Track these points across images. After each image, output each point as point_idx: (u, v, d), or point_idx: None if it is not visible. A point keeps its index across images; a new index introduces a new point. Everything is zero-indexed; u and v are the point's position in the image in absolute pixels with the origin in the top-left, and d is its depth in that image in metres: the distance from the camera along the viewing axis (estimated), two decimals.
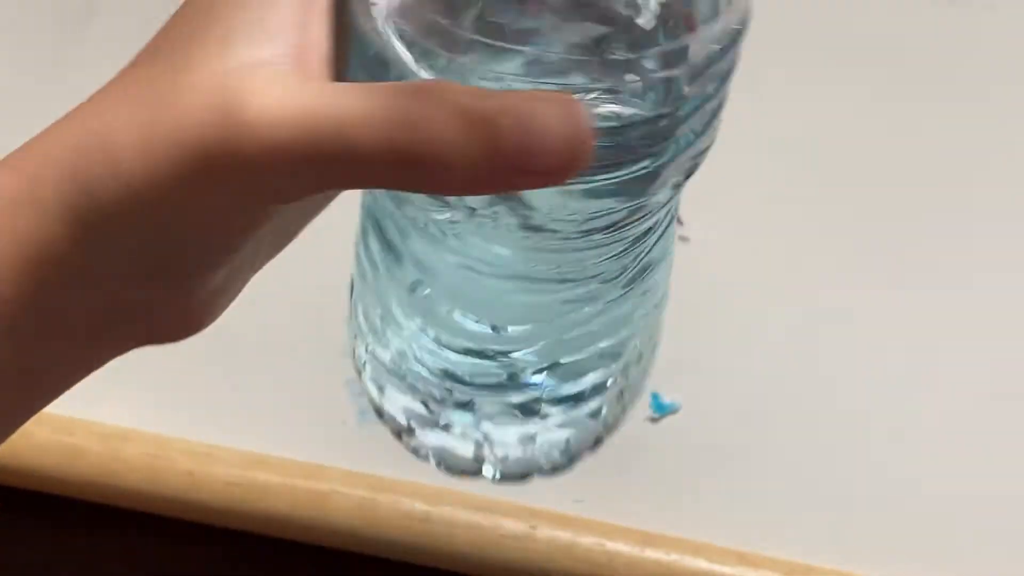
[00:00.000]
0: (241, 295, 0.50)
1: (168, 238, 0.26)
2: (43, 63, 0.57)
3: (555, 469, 0.37)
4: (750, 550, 0.48)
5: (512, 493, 0.49)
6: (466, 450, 0.35)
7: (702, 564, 0.48)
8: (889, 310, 0.53)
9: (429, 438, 0.35)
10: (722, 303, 0.53)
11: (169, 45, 0.26)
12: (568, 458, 0.37)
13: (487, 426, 0.34)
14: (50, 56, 0.57)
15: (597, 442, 0.37)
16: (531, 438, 0.35)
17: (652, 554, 0.48)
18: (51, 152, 0.27)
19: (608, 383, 0.35)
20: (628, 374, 0.36)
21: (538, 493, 0.49)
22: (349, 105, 0.23)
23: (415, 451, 0.36)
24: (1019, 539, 0.50)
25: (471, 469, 0.35)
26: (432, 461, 0.36)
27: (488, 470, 0.36)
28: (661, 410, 0.51)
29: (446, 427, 0.35)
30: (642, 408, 0.51)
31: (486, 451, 0.35)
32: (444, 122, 0.23)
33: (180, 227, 0.26)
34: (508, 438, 0.35)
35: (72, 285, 0.27)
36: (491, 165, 0.23)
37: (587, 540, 0.48)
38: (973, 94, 0.57)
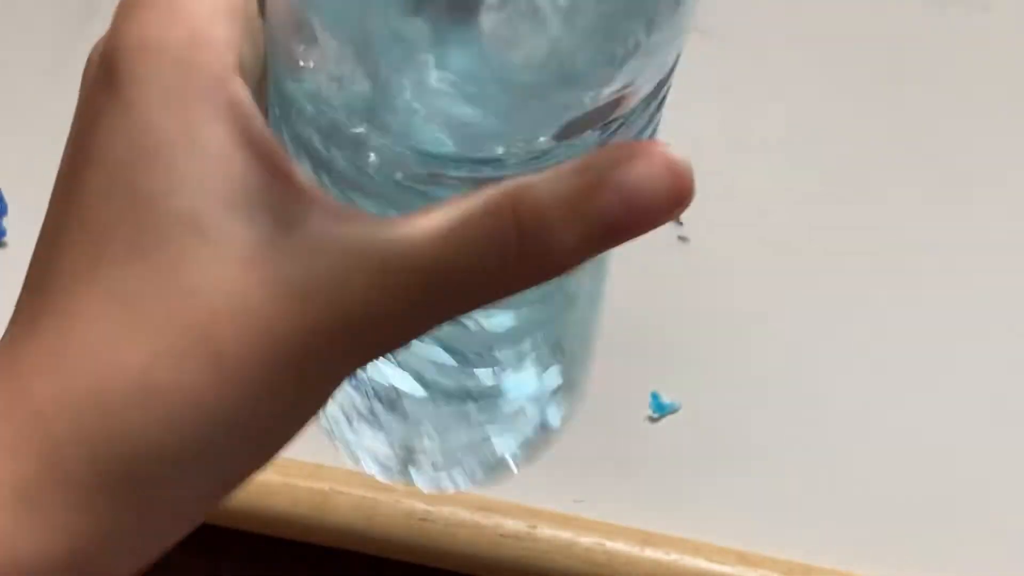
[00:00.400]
0: None
1: (238, 461, 0.23)
2: (43, 63, 0.57)
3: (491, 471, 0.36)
4: (750, 550, 0.48)
5: (512, 493, 0.49)
6: (394, 454, 0.34)
7: (702, 564, 0.48)
8: (890, 310, 0.53)
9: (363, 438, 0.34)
10: (722, 303, 0.53)
11: (101, 245, 0.22)
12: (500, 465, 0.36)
13: (417, 430, 0.33)
14: (50, 56, 0.57)
15: (538, 445, 0.36)
16: (466, 446, 0.35)
17: (652, 554, 0.48)
18: (41, 421, 0.22)
19: (537, 384, 0.34)
20: (564, 374, 0.35)
21: (538, 493, 0.49)
22: (455, 251, 0.21)
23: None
24: (1020, 539, 0.50)
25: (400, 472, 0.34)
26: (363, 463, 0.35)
27: (416, 475, 0.35)
28: (661, 410, 0.51)
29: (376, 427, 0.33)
30: (642, 408, 0.51)
31: (417, 455, 0.34)
32: (557, 231, 0.21)
33: (257, 442, 0.23)
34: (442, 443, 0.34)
35: (117, 551, 0.23)
36: (604, 242, 0.22)
37: (587, 540, 0.48)
38: (972, 95, 0.57)
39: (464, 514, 0.49)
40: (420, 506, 0.48)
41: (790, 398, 0.52)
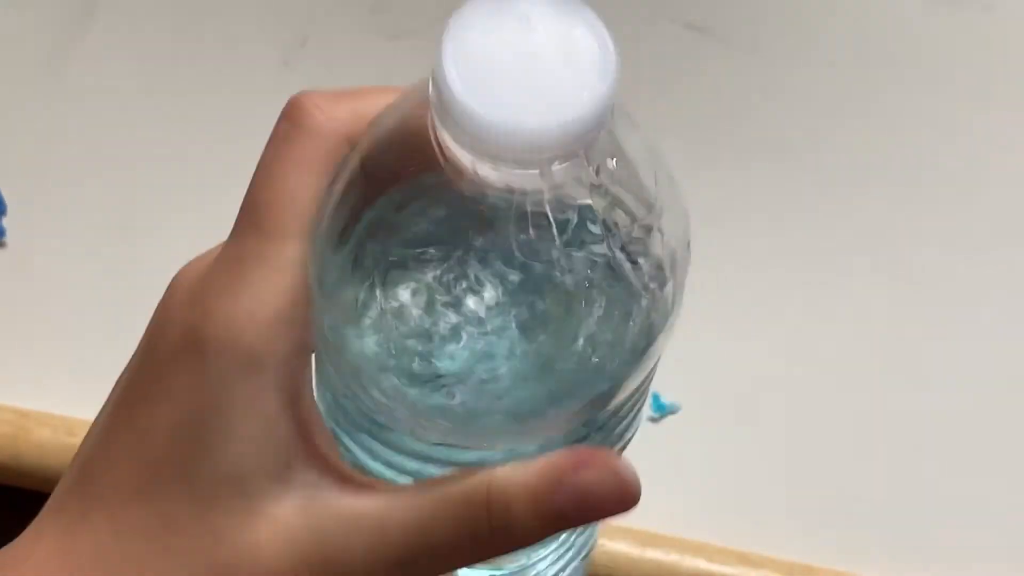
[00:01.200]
0: None
1: None
2: (43, 63, 0.57)
3: None
4: (750, 550, 0.48)
5: None
6: None
7: (702, 564, 0.48)
8: (890, 311, 0.53)
9: None
10: (722, 303, 0.53)
11: (155, 473, 0.27)
12: None
13: None
14: (50, 56, 0.57)
15: None
16: None
17: (652, 554, 0.48)
18: None
19: None
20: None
21: None
22: (439, 531, 0.27)
23: None
24: (1020, 540, 0.50)
25: None
26: None
27: None
28: (661, 410, 0.51)
29: None
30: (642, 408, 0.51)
31: None
32: (519, 521, 0.27)
33: None
34: None
35: None
36: (558, 528, 0.28)
37: None
38: (972, 95, 0.57)
39: None
40: None
41: (790, 398, 0.52)
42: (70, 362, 0.52)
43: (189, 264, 0.31)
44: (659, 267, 0.29)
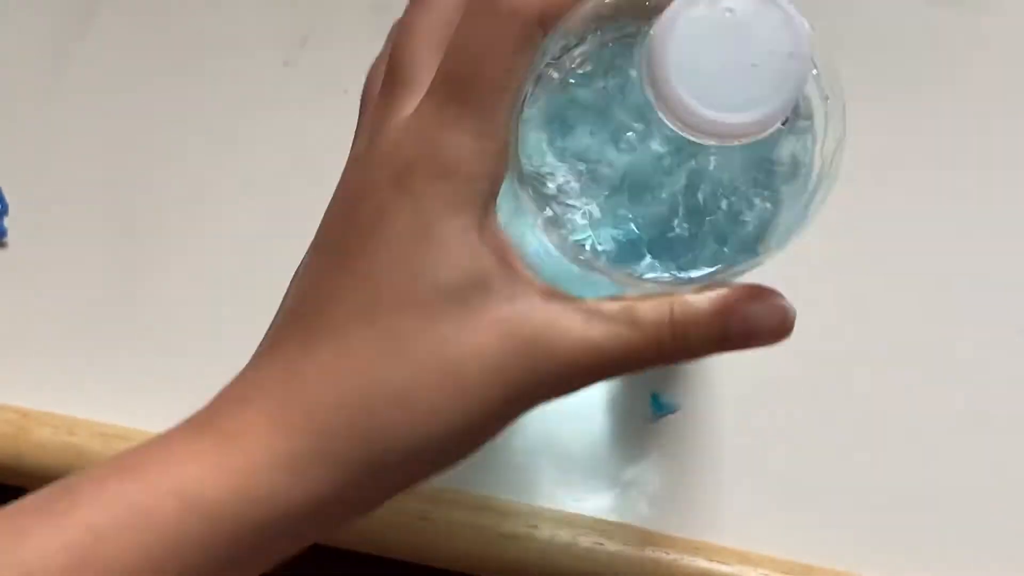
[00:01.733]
0: (242, 299, 0.51)
1: (450, 457, 0.33)
2: (43, 63, 0.57)
3: None
4: (750, 550, 0.49)
5: (513, 493, 0.49)
6: None
7: (702, 563, 0.48)
8: (889, 310, 0.53)
9: None
10: None
11: (377, 301, 0.32)
12: None
13: None
14: (50, 56, 0.57)
15: None
16: None
17: (652, 553, 0.48)
18: (317, 414, 0.31)
19: None
20: None
21: (538, 493, 0.49)
22: (629, 336, 0.32)
23: None
24: (1019, 540, 0.50)
25: None
26: None
27: None
28: (661, 410, 0.51)
29: None
30: (642, 408, 0.51)
31: None
32: (695, 337, 0.33)
33: (469, 447, 0.33)
34: None
35: (345, 509, 0.33)
36: (725, 350, 0.34)
37: (587, 540, 0.48)
38: (972, 94, 0.57)
39: (464, 514, 0.49)
40: (419, 506, 0.48)
41: (789, 398, 0.52)
42: (70, 362, 0.52)
43: (381, 132, 0.34)
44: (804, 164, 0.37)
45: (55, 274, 0.54)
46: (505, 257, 0.33)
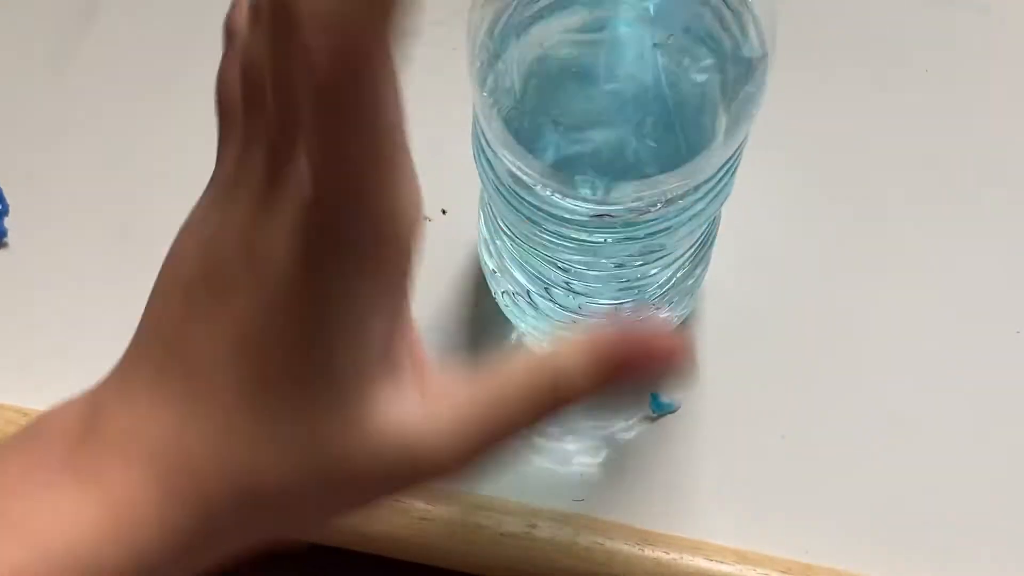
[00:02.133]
0: None
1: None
2: (43, 63, 0.57)
3: None
4: (750, 549, 0.49)
5: (512, 493, 0.49)
6: None
7: (701, 562, 0.48)
8: (889, 310, 0.53)
9: None
10: (721, 303, 0.53)
11: (283, 391, 0.30)
12: None
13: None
14: (50, 56, 0.57)
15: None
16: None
17: (651, 553, 0.48)
18: (205, 488, 0.30)
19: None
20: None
21: (538, 493, 0.49)
22: (509, 416, 0.31)
23: None
24: (1020, 540, 0.50)
25: None
26: None
27: None
28: (660, 409, 0.51)
29: None
30: (641, 407, 0.51)
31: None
32: (581, 385, 0.32)
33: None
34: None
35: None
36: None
37: (586, 539, 0.48)
38: (973, 94, 0.57)
39: (464, 514, 0.49)
40: (420, 505, 0.48)
41: (789, 398, 0.52)
42: (70, 362, 0.52)
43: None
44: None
45: (55, 274, 0.54)
46: (387, 345, 0.31)
